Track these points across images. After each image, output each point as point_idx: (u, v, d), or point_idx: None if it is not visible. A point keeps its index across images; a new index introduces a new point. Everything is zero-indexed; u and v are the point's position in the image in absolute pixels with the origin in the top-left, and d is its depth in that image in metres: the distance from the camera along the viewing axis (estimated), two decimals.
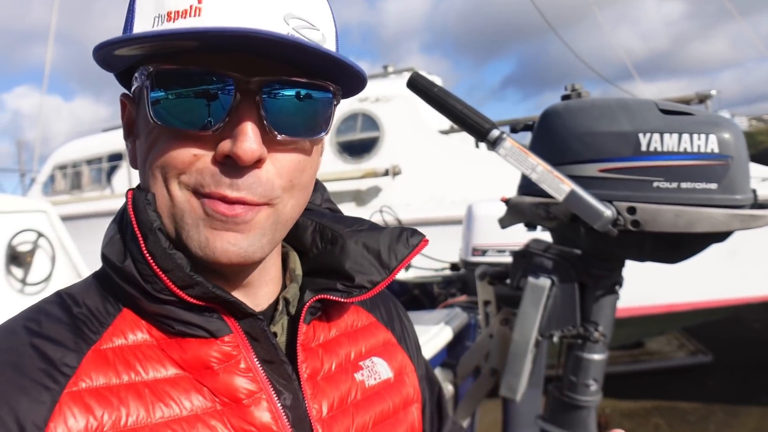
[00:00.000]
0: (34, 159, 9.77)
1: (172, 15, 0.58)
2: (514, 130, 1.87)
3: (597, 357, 1.74)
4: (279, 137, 0.61)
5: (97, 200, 8.91)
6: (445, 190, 6.58)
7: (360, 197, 7.29)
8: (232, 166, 0.59)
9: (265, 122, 0.60)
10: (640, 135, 1.52)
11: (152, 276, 0.61)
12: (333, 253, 0.76)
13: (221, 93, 0.58)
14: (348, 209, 7.41)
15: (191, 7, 0.58)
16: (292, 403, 0.65)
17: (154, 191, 0.63)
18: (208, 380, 0.62)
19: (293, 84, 0.61)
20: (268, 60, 0.59)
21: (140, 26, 0.61)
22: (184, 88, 0.59)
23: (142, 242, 0.61)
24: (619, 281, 1.74)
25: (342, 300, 0.73)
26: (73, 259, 3.99)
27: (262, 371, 0.64)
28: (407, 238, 0.78)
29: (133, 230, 0.62)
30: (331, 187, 7.16)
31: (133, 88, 0.65)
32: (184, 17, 0.58)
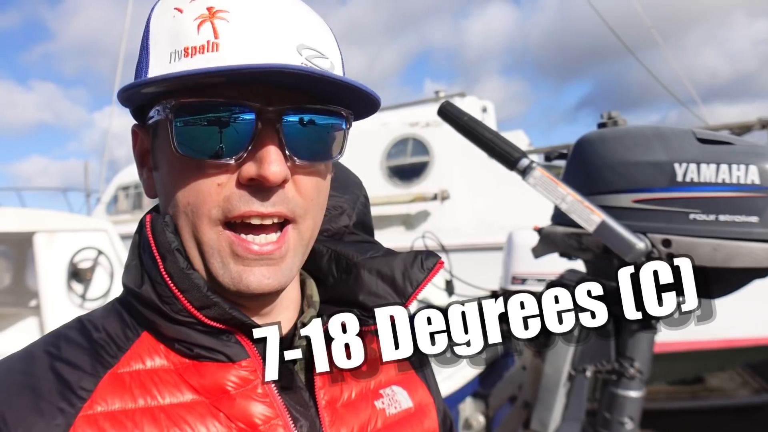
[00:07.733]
0: (101, 179, 10.29)
1: (189, 51, 0.60)
2: (548, 159, 1.85)
3: (633, 394, 1.67)
4: (298, 162, 0.63)
5: None
6: (494, 215, 6.50)
7: (409, 221, 7.30)
8: (257, 188, 0.61)
9: (285, 147, 0.62)
10: (676, 165, 1.48)
11: (170, 297, 0.62)
12: (348, 284, 0.76)
13: (243, 122, 0.60)
14: (397, 233, 7.42)
15: (208, 42, 0.59)
16: (308, 430, 0.65)
17: (180, 225, 0.64)
18: (224, 405, 0.62)
19: (309, 111, 0.63)
20: (284, 89, 0.62)
21: (156, 63, 0.63)
22: (208, 119, 0.61)
23: (160, 263, 0.63)
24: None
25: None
26: None
27: (278, 397, 0.64)
28: (422, 261, 0.75)
29: (151, 252, 0.64)
30: (380, 210, 7.23)
31: (151, 121, 0.66)
32: (202, 53, 0.59)
